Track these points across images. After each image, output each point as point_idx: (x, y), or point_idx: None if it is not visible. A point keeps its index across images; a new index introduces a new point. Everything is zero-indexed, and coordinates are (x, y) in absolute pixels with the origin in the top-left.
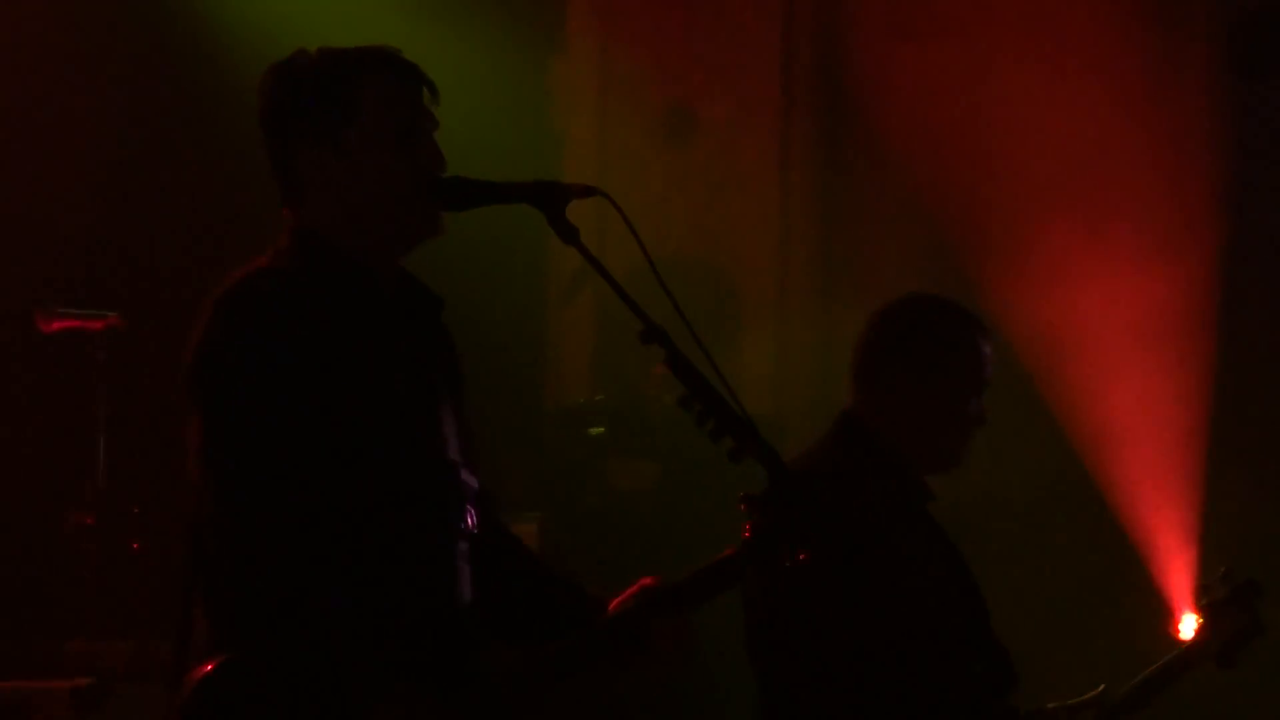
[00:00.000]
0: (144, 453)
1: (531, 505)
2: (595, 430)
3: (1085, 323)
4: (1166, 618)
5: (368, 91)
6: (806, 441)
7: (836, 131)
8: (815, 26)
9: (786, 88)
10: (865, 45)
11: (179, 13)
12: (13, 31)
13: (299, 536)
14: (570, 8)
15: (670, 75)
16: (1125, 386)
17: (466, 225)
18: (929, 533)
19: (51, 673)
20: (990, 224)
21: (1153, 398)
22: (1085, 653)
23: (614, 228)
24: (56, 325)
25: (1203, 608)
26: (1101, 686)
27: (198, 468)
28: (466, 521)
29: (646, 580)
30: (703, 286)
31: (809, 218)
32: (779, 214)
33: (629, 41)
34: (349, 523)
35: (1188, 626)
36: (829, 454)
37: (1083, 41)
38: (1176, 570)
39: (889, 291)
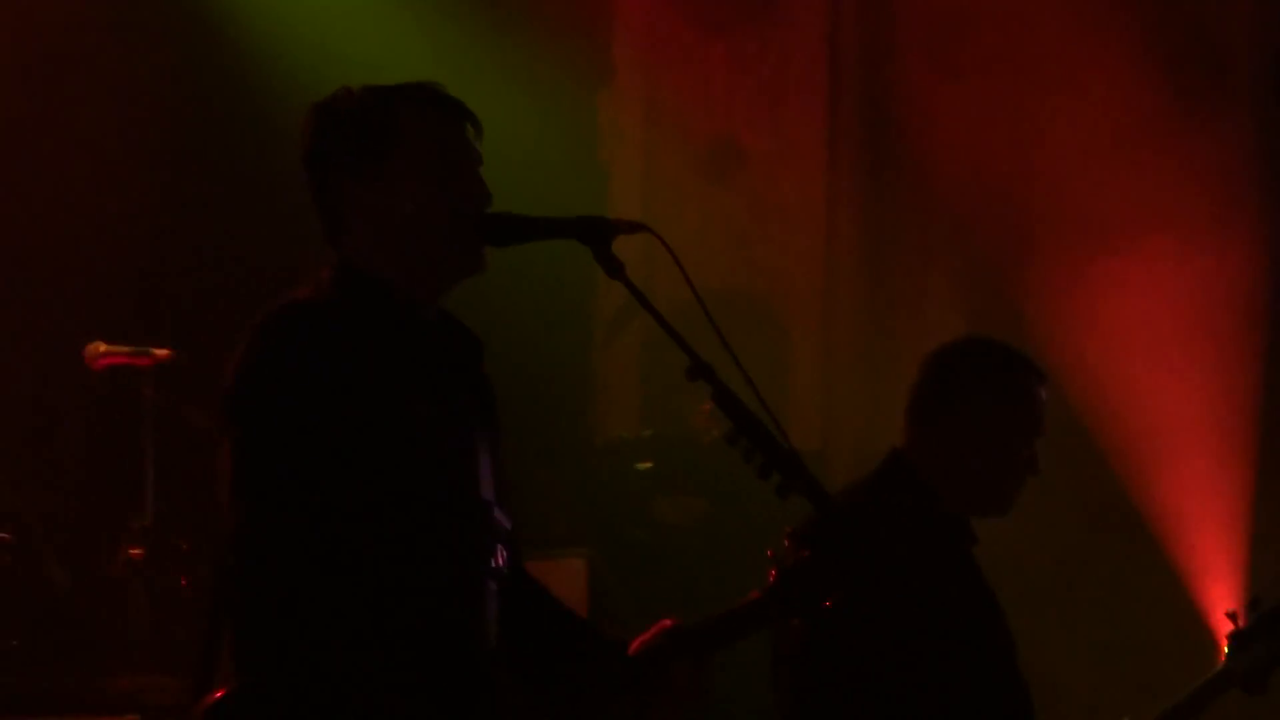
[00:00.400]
0: (192, 489)
1: (579, 540)
2: (642, 465)
3: (1130, 350)
4: (1213, 647)
5: (409, 126)
6: (853, 476)
7: (881, 165)
8: (860, 61)
9: (831, 122)
10: (910, 80)
11: (228, 50)
12: (57, 69)
13: (325, 566)
14: (616, 42)
15: (715, 109)
16: (1169, 411)
17: (513, 260)
18: (966, 576)
19: (100, 710)
20: (1034, 255)
21: (1197, 424)
22: (1131, 682)
23: (660, 262)
24: (105, 362)
25: (1230, 635)
26: (1125, 718)
27: (227, 495)
28: (497, 561)
29: (667, 622)
30: (749, 321)
31: (854, 251)
32: (824, 247)
33: (674, 75)
34: (378, 556)
35: None
36: (873, 491)
37: (1125, 73)
38: (1223, 599)
39: (935, 325)
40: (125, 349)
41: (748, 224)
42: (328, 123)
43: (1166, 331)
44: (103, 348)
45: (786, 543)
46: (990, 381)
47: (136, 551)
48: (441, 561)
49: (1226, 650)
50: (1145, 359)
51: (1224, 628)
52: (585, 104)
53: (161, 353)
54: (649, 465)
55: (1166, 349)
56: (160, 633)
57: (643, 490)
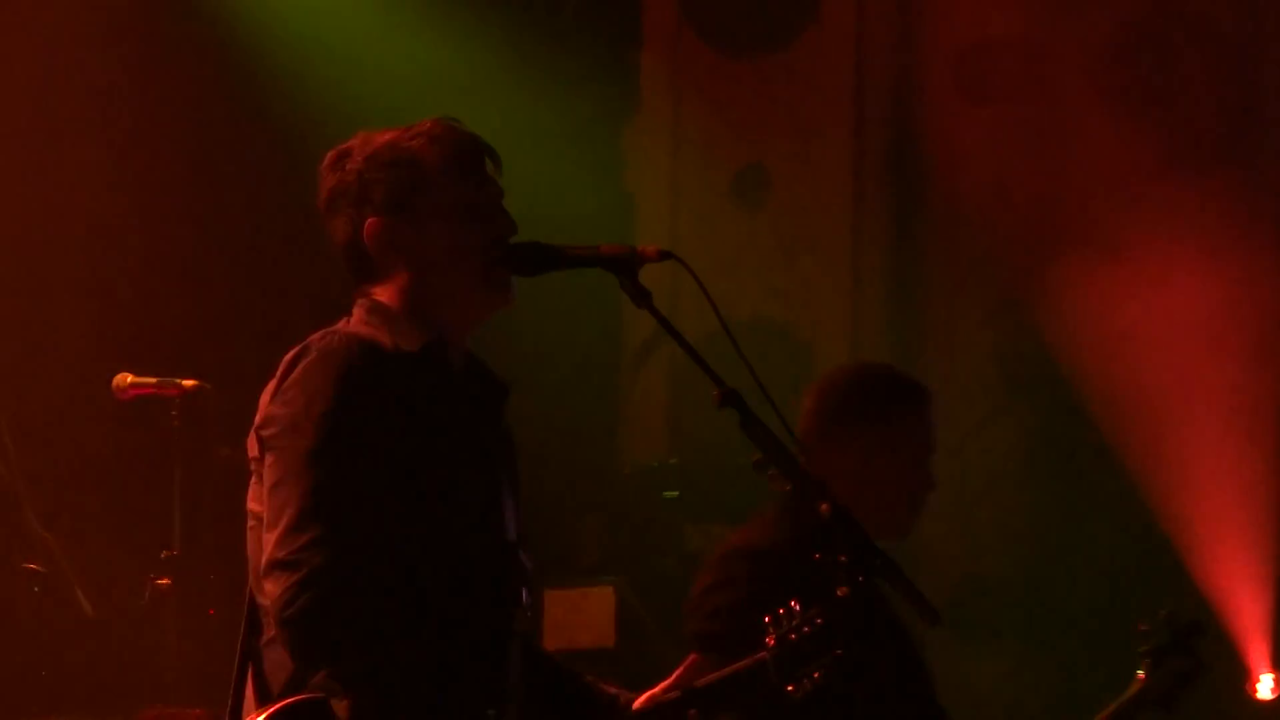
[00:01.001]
0: (220, 518)
1: (607, 569)
2: (670, 494)
3: (1159, 373)
4: (1243, 676)
5: (430, 165)
6: None
7: (909, 192)
8: (887, 87)
9: (859, 148)
10: (937, 106)
11: (260, 85)
12: (86, 102)
13: (357, 593)
14: (643, 69)
15: (742, 136)
16: (1197, 431)
17: (540, 290)
18: (870, 604)
19: None
20: (1062, 281)
21: (1224, 443)
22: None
23: (687, 291)
24: (133, 392)
25: (1145, 653)
26: None
27: (258, 515)
28: (521, 603)
29: (679, 674)
30: (775, 349)
31: (882, 278)
32: (852, 275)
33: (701, 103)
34: (407, 590)
35: (1265, 686)
36: (776, 528)
37: (1152, 97)
38: (1253, 629)
39: (963, 352)
40: (152, 379)
41: (775, 252)
42: (349, 169)
43: (1194, 353)
44: (130, 378)
45: (794, 605)
46: (874, 405)
47: (164, 581)
48: (471, 600)
49: (1142, 669)
50: (1173, 381)
51: (1256, 661)
52: (612, 133)
53: (189, 383)
54: (676, 494)
55: (1194, 370)
56: (189, 663)
57: (671, 519)
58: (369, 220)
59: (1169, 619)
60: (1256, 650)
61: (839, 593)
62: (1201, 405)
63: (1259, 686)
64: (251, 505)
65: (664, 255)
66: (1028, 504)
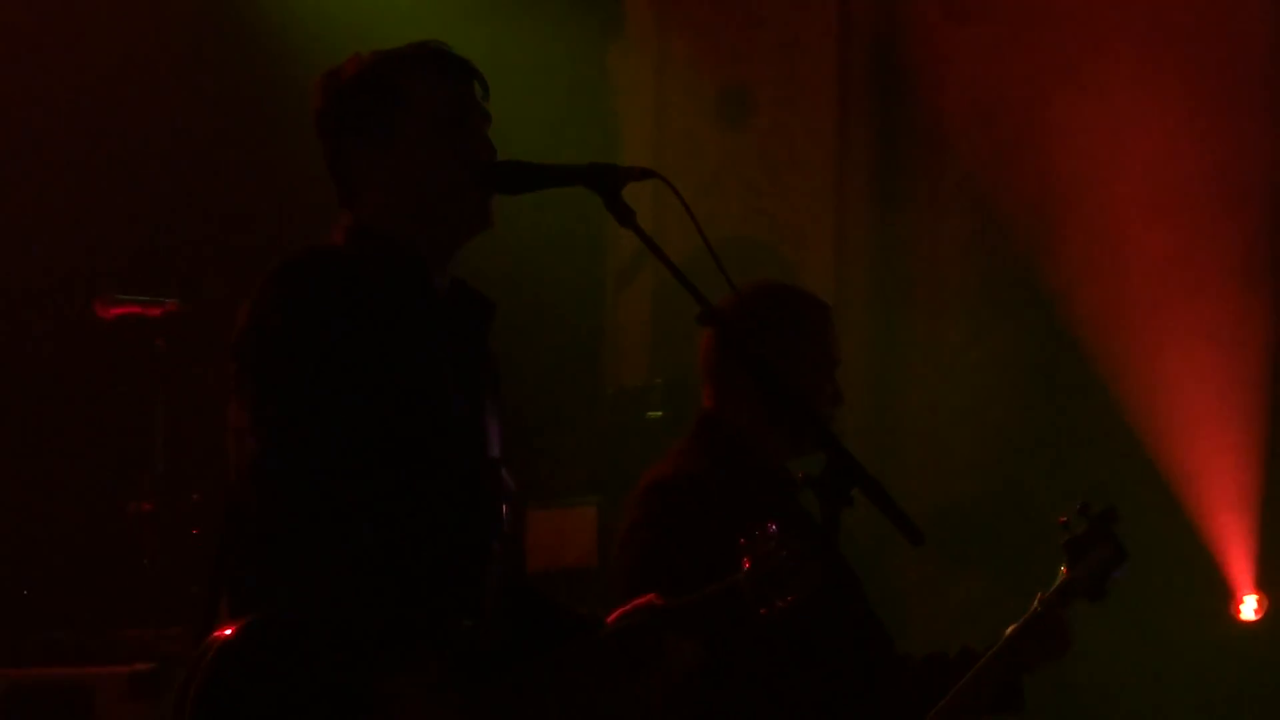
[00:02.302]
0: (203, 439)
1: (589, 489)
2: (653, 414)
3: (1141, 299)
4: (1227, 597)
5: (417, 87)
6: (866, 422)
7: (893, 113)
8: (871, 8)
9: (843, 69)
10: (921, 26)
11: (240, 6)
12: (71, 24)
13: (338, 502)
14: None
15: (726, 57)
16: (1183, 362)
17: (524, 209)
18: (799, 522)
19: (111, 658)
20: (1048, 203)
21: (1214, 379)
22: (1148, 633)
23: (671, 210)
24: (116, 312)
25: (1065, 545)
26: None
27: (244, 433)
28: (501, 521)
29: (652, 597)
30: (759, 269)
31: (865, 199)
32: (835, 195)
33: (685, 23)
34: (388, 501)
35: (1248, 608)
36: (694, 457)
37: (1141, 18)
38: (1236, 550)
39: (948, 274)
40: (137, 299)
41: (758, 172)
42: (338, 88)
43: (1179, 275)
44: (114, 298)
45: (771, 527)
46: (780, 323)
47: (147, 505)
48: (451, 513)
49: (1066, 562)
50: (1158, 302)
51: (1240, 582)
52: (597, 52)
53: (172, 304)
54: (660, 414)
55: (1179, 292)
56: (172, 583)
57: (654, 439)
58: (354, 148)
59: (1084, 509)
60: (1240, 571)
61: (785, 543)
62: (1186, 326)
63: (1242, 608)
64: (231, 418)
65: (647, 174)
66: (1010, 424)
